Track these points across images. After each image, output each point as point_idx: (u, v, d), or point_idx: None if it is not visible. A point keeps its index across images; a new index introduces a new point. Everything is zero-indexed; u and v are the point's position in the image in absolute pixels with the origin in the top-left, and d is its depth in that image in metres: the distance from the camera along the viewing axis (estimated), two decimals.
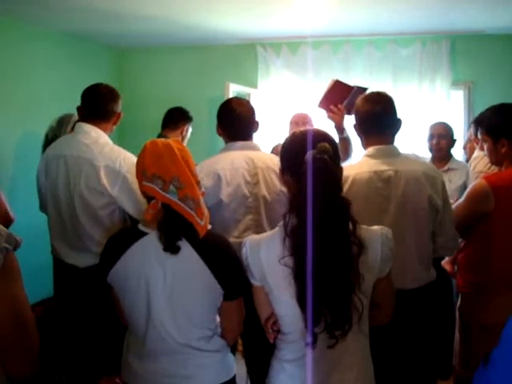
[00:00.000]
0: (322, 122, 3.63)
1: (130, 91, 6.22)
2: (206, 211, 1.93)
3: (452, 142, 4.31)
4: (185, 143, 3.87)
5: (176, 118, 4.39)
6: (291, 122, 4.36)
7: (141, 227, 1.97)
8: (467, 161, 4.06)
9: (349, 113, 3.51)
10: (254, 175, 2.84)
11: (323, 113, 3.55)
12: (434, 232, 2.56)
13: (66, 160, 2.96)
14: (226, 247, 2.00)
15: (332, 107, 3.44)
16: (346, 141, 3.50)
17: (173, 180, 1.86)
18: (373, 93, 2.70)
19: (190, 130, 4.38)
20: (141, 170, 1.95)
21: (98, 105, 3.04)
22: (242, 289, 2.00)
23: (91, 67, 5.80)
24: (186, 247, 1.90)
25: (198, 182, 1.97)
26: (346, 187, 2.41)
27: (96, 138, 2.98)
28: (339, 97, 3.46)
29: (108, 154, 2.91)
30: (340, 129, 3.47)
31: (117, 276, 1.97)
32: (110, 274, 1.97)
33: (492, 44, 5.31)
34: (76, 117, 3.94)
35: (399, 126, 2.63)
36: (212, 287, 1.93)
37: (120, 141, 6.20)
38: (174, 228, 1.88)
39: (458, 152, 4.57)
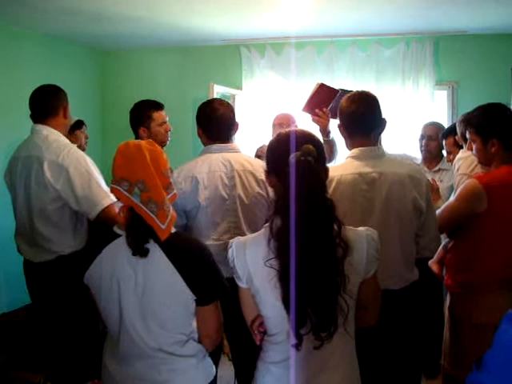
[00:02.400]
0: (306, 123, 3.62)
1: (114, 93, 6.23)
2: (170, 214, 1.92)
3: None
4: (168, 138, 3.63)
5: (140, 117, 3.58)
6: (274, 125, 4.30)
7: (116, 229, 1.98)
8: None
9: (334, 116, 3.51)
10: (231, 178, 2.85)
11: (308, 116, 3.54)
12: (417, 233, 2.57)
13: (22, 160, 3.06)
14: (198, 251, 1.98)
15: (317, 111, 3.43)
16: (330, 144, 3.50)
17: (138, 182, 1.86)
18: (357, 92, 2.67)
19: (167, 118, 3.63)
20: (112, 172, 1.95)
21: (39, 106, 3.12)
22: (217, 294, 2.01)
23: (75, 69, 5.77)
24: (156, 250, 1.90)
25: (168, 185, 1.96)
26: (330, 188, 2.41)
27: (46, 136, 3.05)
28: (324, 100, 3.44)
29: (54, 149, 2.98)
30: (325, 132, 3.46)
31: (92, 277, 1.98)
32: (86, 274, 1.99)
33: (475, 44, 5.34)
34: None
35: (384, 126, 2.63)
36: (182, 292, 1.92)
37: (104, 142, 6.21)
38: (138, 231, 1.88)
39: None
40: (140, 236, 1.88)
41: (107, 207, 2.89)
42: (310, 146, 1.75)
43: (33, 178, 2.98)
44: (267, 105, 5.68)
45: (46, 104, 3.11)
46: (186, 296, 1.93)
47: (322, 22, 4.94)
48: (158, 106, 3.59)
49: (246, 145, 5.43)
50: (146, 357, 1.95)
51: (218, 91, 5.59)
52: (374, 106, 2.59)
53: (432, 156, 4.31)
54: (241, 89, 5.85)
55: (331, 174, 2.44)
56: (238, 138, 5.46)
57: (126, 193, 1.87)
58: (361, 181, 2.48)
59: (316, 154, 1.75)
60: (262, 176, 2.83)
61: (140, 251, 1.88)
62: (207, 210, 2.82)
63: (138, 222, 1.87)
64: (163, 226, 1.88)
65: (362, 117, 2.55)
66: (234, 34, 5.46)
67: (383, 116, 2.62)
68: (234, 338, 2.94)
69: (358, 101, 2.58)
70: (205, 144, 3.00)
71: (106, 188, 2.97)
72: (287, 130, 1.96)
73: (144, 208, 1.85)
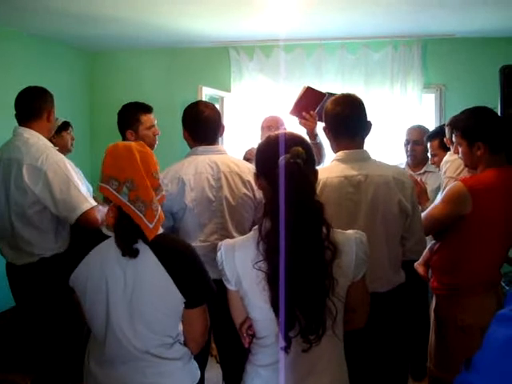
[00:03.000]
0: (295, 125, 3.63)
1: (102, 94, 6.20)
2: (158, 214, 1.91)
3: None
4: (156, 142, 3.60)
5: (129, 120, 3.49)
6: (263, 127, 4.31)
7: (104, 230, 1.97)
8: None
9: (321, 119, 3.52)
10: (217, 179, 2.85)
11: (295, 119, 3.55)
12: (403, 236, 2.57)
13: (3, 163, 3.05)
14: (189, 254, 1.98)
15: (304, 114, 3.43)
16: (318, 147, 3.51)
17: (126, 181, 1.86)
18: (342, 95, 2.67)
19: (155, 122, 3.57)
20: (101, 172, 1.94)
21: (24, 107, 3.11)
22: (205, 297, 2.00)
23: (62, 70, 5.74)
24: (146, 252, 1.89)
25: (157, 186, 1.96)
26: (316, 192, 2.42)
27: (27, 139, 3.04)
28: (311, 103, 3.45)
29: (33, 153, 2.97)
30: (312, 135, 3.47)
31: (78, 278, 1.96)
32: (71, 276, 1.97)
33: (462, 47, 5.38)
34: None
35: (369, 129, 2.62)
36: (172, 294, 1.91)
37: (92, 144, 6.19)
38: (126, 231, 1.87)
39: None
40: (128, 236, 1.87)
41: (86, 211, 2.88)
42: (300, 149, 1.75)
43: (12, 181, 2.97)
44: (256, 107, 5.69)
45: (31, 106, 3.09)
46: (176, 298, 1.92)
47: (311, 24, 4.95)
48: (147, 109, 3.52)
49: (234, 147, 5.43)
50: (133, 359, 1.95)
51: (207, 93, 5.58)
52: (359, 108, 2.58)
53: (418, 160, 4.33)
54: (229, 91, 5.85)
55: None
56: (227, 141, 5.49)
57: (114, 192, 1.86)
58: (346, 183, 2.48)
59: (305, 156, 1.75)
60: (248, 177, 2.84)
61: (129, 252, 1.86)
62: (194, 212, 2.82)
63: (126, 222, 1.86)
64: (151, 226, 1.87)
65: (347, 119, 2.55)
66: (223, 36, 5.46)
67: (369, 119, 2.62)
68: (222, 340, 2.94)
69: (343, 103, 2.57)
70: (191, 146, 3.00)
71: (86, 192, 2.97)
72: (276, 132, 1.96)
73: (132, 207, 1.85)
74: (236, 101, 5.82)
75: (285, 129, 4.09)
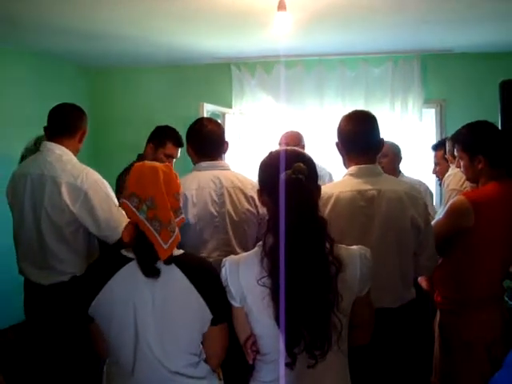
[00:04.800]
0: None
1: (104, 112, 6.22)
2: (174, 236, 1.90)
3: (396, 159, 4.43)
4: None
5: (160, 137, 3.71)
6: (281, 144, 4.31)
7: (124, 252, 1.94)
8: (440, 183, 4.12)
9: None
10: (220, 195, 2.85)
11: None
12: (415, 252, 2.55)
13: (32, 178, 2.94)
14: (213, 271, 1.97)
15: None
16: None
17: (147, 200, 1.86)
18: (356, 112, 2.68)
19: (177, 156, 3.75)
20: (125, 188, 1.95)
21: (60, 121, 3.03)
22: (228, 312, 1.97)
23: (65, 87, 5.78)
24: (174, 271, 1.88)
25: (177, 208, 1.96)
26: (329, 206, 2.41)
27: (59, 156, 2.96)
28: None
29: (70, 171, 2.90)
30: None
31: (101, 306, 1.91)
32: (92, 304, 1.91)
33: (462, 62, 5.43)
34: None
35: (381, 146, 2.64)
36: (202, 311, 1.90)
37: (95, 161, 6.17)
38: (144, 249, 1.86)
39: (409, 170, 4.73)
40: (148, 256, 1.86)
41: None
42: (301, 164, 1.75)
43: (46, 198, 2.87)
44: (257, 123, 5.72)
45: (68, 123, 3.03)
46: (205, 315, 1.91)
47: (311, 41, 4.99)
48: (177, 142, 3.66)
49: (235, 163, 5.44)
50: (163, 381, 1.92)
51: (208, 110, 5.60)
52: (372, 124, 2.60)
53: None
54: (231, 107, 5.88)
55: (330, 191, 2.45)
56: (228, 156, 5.50)
57: (133, 208, 1.88)
58: (359, 198, 2.47)
59: (307, 172, 1.75)
60: (251, 193, 2.84)
61: (151, 271, 1.85)
62: (196, 228, 2.82)
63: (144, 242, 1.86)
64: (165, 246, 1.86)
65: (359, 135, 2.56)
66: (224, 53, 5.51)
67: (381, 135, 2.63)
68: (226, 357, 2.92)
69: (355, 119, 2.59)
70: (195, 162, 3.01)
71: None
72: (279, 148, 1.97)
73: (148, 224, 1.85)
74: (237, 117, 5.85)
75: (303, 146, 4.11)
